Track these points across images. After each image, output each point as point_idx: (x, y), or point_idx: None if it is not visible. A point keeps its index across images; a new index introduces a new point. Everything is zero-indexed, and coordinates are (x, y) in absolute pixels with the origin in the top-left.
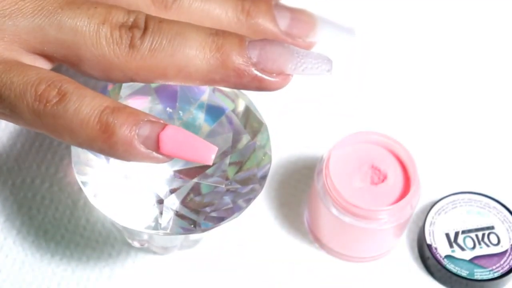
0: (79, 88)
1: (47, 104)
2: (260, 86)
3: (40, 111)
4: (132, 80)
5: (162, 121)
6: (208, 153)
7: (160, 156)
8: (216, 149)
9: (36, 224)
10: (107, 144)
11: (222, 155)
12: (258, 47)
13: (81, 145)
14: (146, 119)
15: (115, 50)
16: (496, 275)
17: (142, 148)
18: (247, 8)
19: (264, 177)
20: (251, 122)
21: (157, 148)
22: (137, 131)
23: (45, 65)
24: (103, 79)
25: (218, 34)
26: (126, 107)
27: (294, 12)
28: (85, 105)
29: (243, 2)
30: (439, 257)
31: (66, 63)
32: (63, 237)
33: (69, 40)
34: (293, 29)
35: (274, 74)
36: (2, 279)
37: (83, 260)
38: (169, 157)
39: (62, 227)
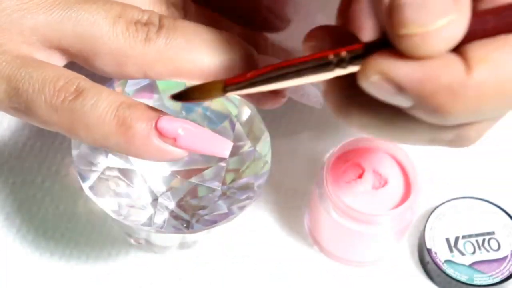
0: (96, 86)
1: (65, 100)
2: (260, 98)
3: (57, 106)
4: (145, 75)
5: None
6: (223, 147)
7: (177, 150)
8: (231, 144)
9: (36, 223)
10: (123, 138)
11: (221, 159)
12: (267, 61)
13: (96, 141)
14: (162, 115)
15: (131, 42)
16: (495, 280)
17: (159, 142)
18: None
19: (261, 186)
20: (254, 130)
21: (173, 141)
22: (153, 125)
23: (59, 61)
24: (116, 75)
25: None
26: (141, 103)
27: (289, 54)
28: (102, 100)
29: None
30: (439, 261)
31: (80, 58)
32: (63, 236)
33: (85, 32)
34: None
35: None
36: (1, 278)
37: (83, 259)
38: (185, 151)
39: (62, 226)
